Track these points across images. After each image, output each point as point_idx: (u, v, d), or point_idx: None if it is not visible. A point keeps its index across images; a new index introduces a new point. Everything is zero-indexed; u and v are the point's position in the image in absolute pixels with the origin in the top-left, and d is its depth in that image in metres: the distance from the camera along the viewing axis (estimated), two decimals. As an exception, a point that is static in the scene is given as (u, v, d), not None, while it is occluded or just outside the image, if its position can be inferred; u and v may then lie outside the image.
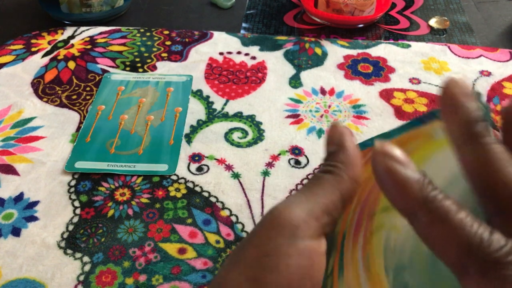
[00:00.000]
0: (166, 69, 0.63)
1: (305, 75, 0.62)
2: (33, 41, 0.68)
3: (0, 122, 0.55)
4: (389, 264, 0.21)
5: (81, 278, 0.40)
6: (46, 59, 0.64)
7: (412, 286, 0.19)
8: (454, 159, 0.19)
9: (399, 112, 0.57)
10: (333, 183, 0.21)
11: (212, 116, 0.56)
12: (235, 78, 0.62)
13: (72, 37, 0.69)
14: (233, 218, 0.45)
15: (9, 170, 0.49)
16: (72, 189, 0.48)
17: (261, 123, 0.55)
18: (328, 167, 0.21)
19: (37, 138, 0.53)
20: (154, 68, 0.63)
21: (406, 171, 0.17)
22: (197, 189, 0.48)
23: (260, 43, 0.68)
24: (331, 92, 0.59)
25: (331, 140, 0.22)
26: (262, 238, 0.20)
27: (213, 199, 0.47)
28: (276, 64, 0.64)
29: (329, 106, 0.57)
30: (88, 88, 0.60)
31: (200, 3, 0.79)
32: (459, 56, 0.66)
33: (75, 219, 0.45)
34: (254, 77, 0.62)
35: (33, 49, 0.66)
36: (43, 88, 0.60)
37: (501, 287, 0.15)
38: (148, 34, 0.70)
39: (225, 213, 0.46)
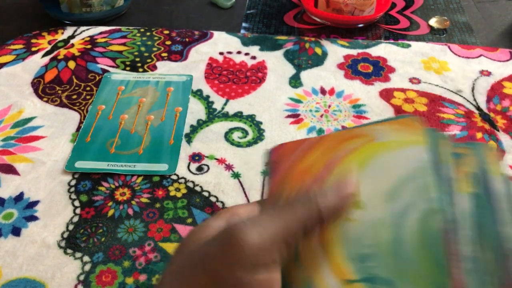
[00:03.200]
0: (166, 69, 0.63)
1: (305, 75, 0.62)
2: (33, 40, 0.68)
3: (1, 122, 0.55)
4: (351, 253, 0.21)
5: (81, 277, 0.40)
6: (46, 59, 0.64)
7: (381, 274, 0.20)
8: (411, 159, 0.22)
9: (399, 112, 0.57)
10: (305, 209, 0.20)
11: (212, 115, 0.56)
12: (235, 78, 0.62)
13: (72, 37, 0.69)
14: (233, 218, 0.45)
15: (9, 170, 0.49)
16: (72, 189, 0.48)
17: (261, 123, 0.55)
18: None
19: (37, 138, 0.53)
20: (154, 68, 0.63)
21: None
22: (197, 188, 0.48)
23: (260, 43, 0.68)
24: (331, 92, 0.59)
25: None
26: (218, 265, 0.18)
27: (213, 199, 0.47)
28: (276, 64, 0.64)
29: (329, 106, 0.57)
30: (88, 88, 0.60)
31: (200, 3, 0.79)
32: (459, 56, 0.66)
33: (75, 219, 0.45)
34: (254, 77, 0.62)
35: (33, 49, 0.66)
36: (43, 88, 0.60)
37: None
38: (148, 34, 0.70)
39: (225, 212, 0.46)
